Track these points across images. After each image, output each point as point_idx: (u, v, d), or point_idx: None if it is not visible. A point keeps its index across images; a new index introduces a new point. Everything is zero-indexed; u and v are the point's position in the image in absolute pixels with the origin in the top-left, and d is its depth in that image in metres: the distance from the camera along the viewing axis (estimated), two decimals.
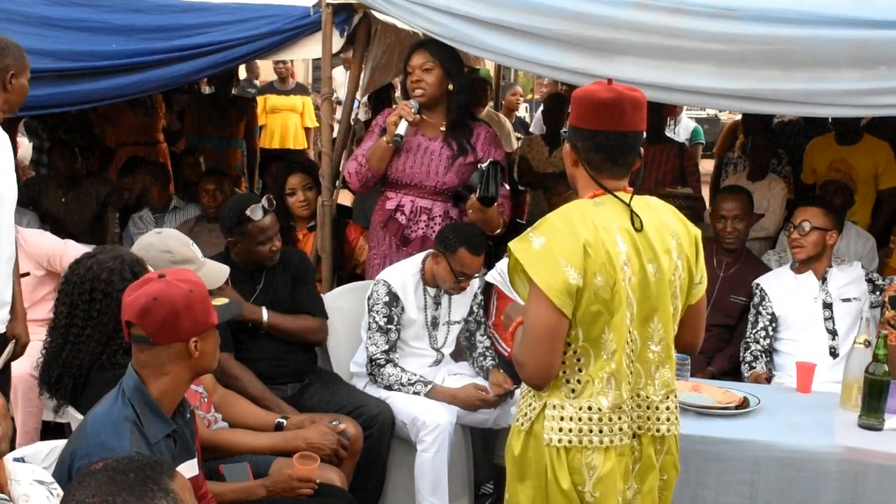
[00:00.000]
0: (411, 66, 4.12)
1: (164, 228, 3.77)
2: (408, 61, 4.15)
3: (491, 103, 7.86)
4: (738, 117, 6.98)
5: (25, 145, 7.17)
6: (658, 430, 2.49)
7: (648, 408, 2.48)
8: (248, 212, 3.72)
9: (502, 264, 2.81)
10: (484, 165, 3.96)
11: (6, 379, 3.53)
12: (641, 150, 2.47)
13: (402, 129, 4.03)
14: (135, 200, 5.75)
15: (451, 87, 4.14)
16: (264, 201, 3.81)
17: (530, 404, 2.47)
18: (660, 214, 2.49)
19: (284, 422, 3.46)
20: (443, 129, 4.18)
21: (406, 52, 4.23)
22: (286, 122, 8.99)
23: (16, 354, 3.46)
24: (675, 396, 2.55)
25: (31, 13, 4.41)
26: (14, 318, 3.46)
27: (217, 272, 3.46)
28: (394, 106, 4.41)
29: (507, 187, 4.18)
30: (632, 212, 2.41)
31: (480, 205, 3.93)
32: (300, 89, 9.24)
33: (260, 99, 9.04)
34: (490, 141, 4.26)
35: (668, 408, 2.51)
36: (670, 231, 2.47)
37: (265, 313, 3.78)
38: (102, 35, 4.39)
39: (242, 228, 3.74)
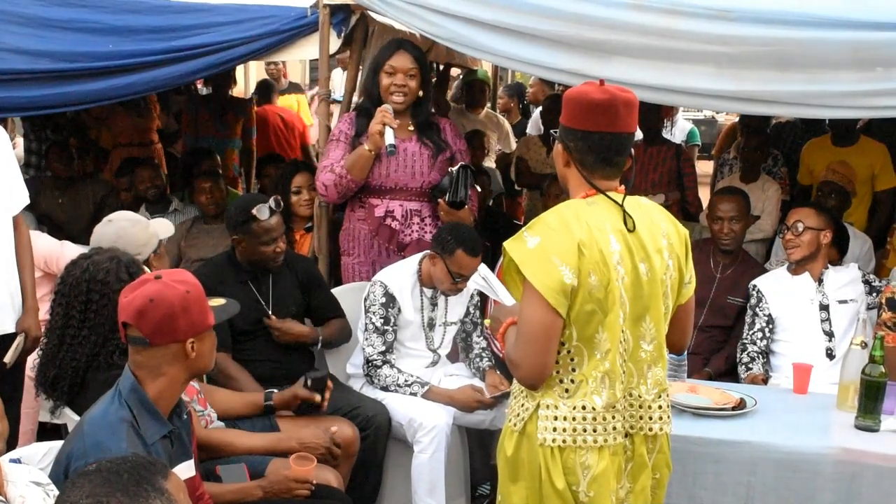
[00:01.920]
0: (394, 68, 4.03)
1: (114, 214, 3.77)
2: (387, 60, 4.04)
3: (488, 104, 7.87)
4: (738, 118, 6.98)
5: (19, 146, 7.16)
6: (651, 430, 2.50)
7: (641, 407, 2.49)
8: (254, 211, 3.73)
9: (484, 269, 2.82)
10: (454, 169, 3.98)
11: (19, 377, 3.53)
12: (633, 150, 2.48)
13: (390, 137, 3.93)
14: (131, 201, 5.73)
15: (421, 93, 4.11)
16: (272, 202, 3.81)
17: (523, 404, 2.48)
18: (651, 214, 2.51)
19: (273, 396, 3.49)
20: (411, 128, 4.15)
21: (383, 50, 4.13)
22: None
23: (27, 350, 3.46)
24: (667, 395, 2.56)
25: (27, 14, 4.40)
26: (25, 312, 3.47)
27: (164, 224, 3.81)
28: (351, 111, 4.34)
29: (479, 188, 4.22)
30: (624, 212, 2.41)
31: (450, 208, 3.96)
32: (294, 88, 9.23)
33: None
34: (455, 133, 4.29)
35: (660, 407, 2.52)
36: (661, 231, 2.49)
37: (320, 332, 3.93)
38: (99, 36, 4.38)
39: (248, 227, 3.74)
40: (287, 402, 3.48)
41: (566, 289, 2.30)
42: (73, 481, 1.71)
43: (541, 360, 2.35)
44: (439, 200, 4.00)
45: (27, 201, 3.55)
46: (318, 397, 3.44)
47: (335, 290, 4.28)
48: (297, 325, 3.90)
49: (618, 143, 2.42)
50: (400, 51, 4.06)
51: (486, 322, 3.00)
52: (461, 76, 8.13)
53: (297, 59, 7.91)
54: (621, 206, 2.42)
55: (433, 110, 4.38)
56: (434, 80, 6.13)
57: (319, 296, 4.01)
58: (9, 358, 3.37)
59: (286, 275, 3.91)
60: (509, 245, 2.40)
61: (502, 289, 2.66)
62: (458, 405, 3.80)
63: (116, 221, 3.59)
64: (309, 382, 3.43)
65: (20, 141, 7.19)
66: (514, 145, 7.32)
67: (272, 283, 3.87)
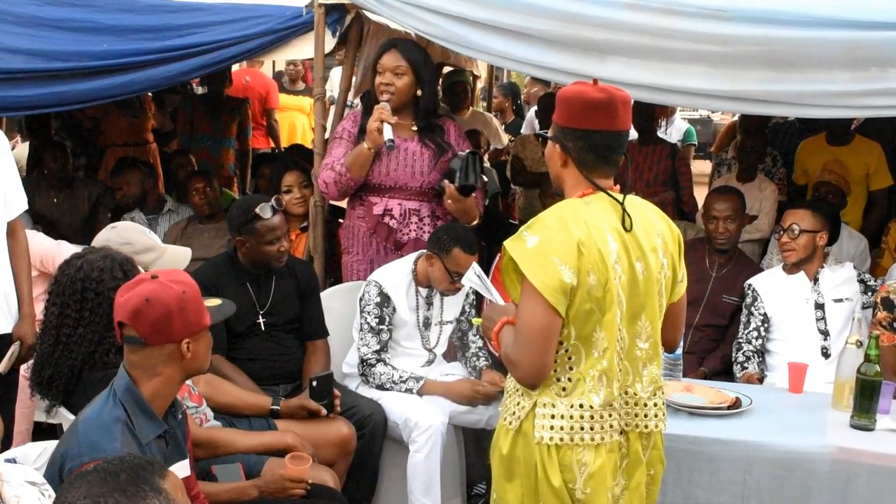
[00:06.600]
0: (382, 67, 4.04)
1: (121, 222, 3.74)
2: (378, 58, 4.06)
3: (483, 104, 7.85)
4: (737, 118, 6.98)
5: (21, 145, 7.15)
6: (646, 427, 2.51)
7: (637, 405, 2.50)
8: (257, 210, 3.72)
9: (477, 267, 2.82)
10: (463, 153, 3.96)
11: (13, 382, 3.52)
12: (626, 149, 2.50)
13: (389, 132, 3.92)
14: (127, 201, 5.72)
15: (419, 92, 4.09)
16: (273, 202, 3.81)
17: (518, 403, 2.48)
18: (645, 213, 2.52)
19: (278, 408, 3.51)
20: (414, 129, 4.14)
21: (378, 49, 4.14)
22: (293, 122, 8.93)
23: (22, 357, 3.45)
24: (663, 393, 2.58)
25: (22, 13, 4.39)
26: (21, 319, 3.45)
27: (180, 255, 3.66)
28: (354, 109, 4.33)
29: (485, 178, 4.16)
30: (624, 211, 2.42)
31: (459, 194, 3.93)
32: (311, 91, 9.17)
33: None
34: (459, 134, 4.27)
35: (655, 404, 2.53)
36: (656, 230, 2.50)
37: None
38: (94, 35, 4.38)
39: (251, 227, 3.73)
40: (293, 410, 3.52)
41: (566, 288, 2.31)
42: (70, 482, 1.70)
43: (540, 360, 2.35)
44: (447, 187, 3.94)
45: (25, 207, 3.53)
46: (324, 411, 3.49)
47: (331, 290, 4.29)
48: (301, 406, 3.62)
49: (618, 141, 2.44)
50: (391, 49, 4.05)
51: (475, 322, 2.99)
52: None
53: (292, 58, 7.90)
54: (622, 204, 2.43)
55: (437, 111, 4.34)
56: None
57: (310, 310, 3.96)
58: (2, 367, 3.37)
59: (287, 279, 3.90)
60: (509, 244, 2.40)
61: (494, 288, 2.67)
62: (456, 397, 3.80)
63: (119, 235, 3.51)
64: (314, 383, 3.49)
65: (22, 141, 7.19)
66: (505, 140, 7.34)
67: (273, 286, 3.86)
